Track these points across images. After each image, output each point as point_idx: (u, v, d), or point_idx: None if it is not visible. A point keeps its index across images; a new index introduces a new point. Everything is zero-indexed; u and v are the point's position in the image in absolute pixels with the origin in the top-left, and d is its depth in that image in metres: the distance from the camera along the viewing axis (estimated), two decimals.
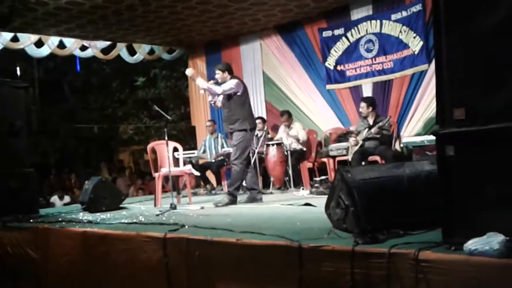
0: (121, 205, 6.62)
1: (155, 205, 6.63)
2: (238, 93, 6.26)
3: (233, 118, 6.27)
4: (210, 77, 9.20)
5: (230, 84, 6.25)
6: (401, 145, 7.39)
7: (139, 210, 6.25)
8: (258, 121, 8.26)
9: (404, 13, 7.49)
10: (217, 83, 6.44)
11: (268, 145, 7.95)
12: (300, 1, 7.62)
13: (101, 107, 17.73)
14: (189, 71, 6.54)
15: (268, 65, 9.27)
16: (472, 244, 2.37)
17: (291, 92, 8.97)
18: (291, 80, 8.95)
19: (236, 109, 6.25)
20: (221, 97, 6.46)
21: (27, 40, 8.40)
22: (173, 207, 5.79)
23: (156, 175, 6.76)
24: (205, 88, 6.37)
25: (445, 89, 2.68)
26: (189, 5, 7.46)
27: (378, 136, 6.93)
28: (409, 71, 7.51)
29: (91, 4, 7.09)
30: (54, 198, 11.69)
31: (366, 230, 3.04)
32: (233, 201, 6.15)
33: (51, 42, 8.66)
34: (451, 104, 2.65)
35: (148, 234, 4.00)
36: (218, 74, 6.40)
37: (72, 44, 8.91)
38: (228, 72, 6.40)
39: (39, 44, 8.61)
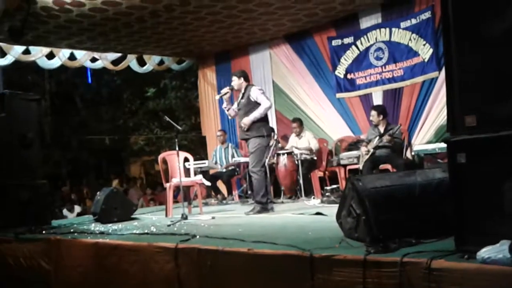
0: (132, 216, 6.65)
1: (166, 215, 6.64)
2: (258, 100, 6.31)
3: (250, 125, 6.29)
4: (220, 86, 9.28)
5: (262, 96, 6.28)
6: (412, 153, 7.34)
7: (150, 221, 6.27)
8: None
9: (414, 21, 7.48)
10: (232, 89, 6.53)
11: (278, 154, 7.94)
12: (309, 10, 7.64)
13: (112, 118, 17.87)
14: (243, 124, 6.33)
15: (277, 74, 9.29)
16: (485, 252, 2.35)
17: (301, 101, 8.98)
18: (300, 89, 8.96)
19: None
20: (235, 106, 6.50)
21: (38, 53, 8.50)
22: (184, 217, 5.80)
23: (167, 185, 6.78)
24: (261, 113, 6.25)
25: (456, 96, 2.67)
26: (199, 16, 7.50)
27: (389, 144, 6.90)
28: (419, 79, 7.48)
29: (101, 16, 7.16)
30: (66, 209, 11.75)
31: (377, 239, 3.03)
32: (264, 208, 6.13)
33: (62, 54, 8.75)
34: (462, 111, 2.64)
35: (160, 244, 4.01)
36: (234, 81, 6.47)
37: (82, 56, 9.00)
38: (244, 78, 6.45)
39: (50, 56, 8.72)
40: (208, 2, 6.89)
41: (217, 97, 7.10)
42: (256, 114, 6.26)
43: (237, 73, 6.59)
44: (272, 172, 8.12)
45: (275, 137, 8.46)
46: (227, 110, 6.68)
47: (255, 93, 6.31)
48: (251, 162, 6.29)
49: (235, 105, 6.50)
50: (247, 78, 6.54)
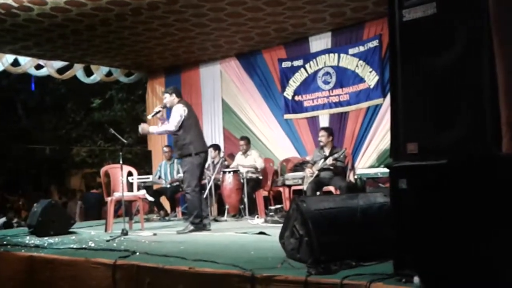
0: (70, 230, 6.45)
1: (106, 230, 6.47)
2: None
3: (179, 143, 6.18)
4: None
5: (176, 115, 6.12)
6: (355, 177, 7.49)
7: (89, 235, 6.10)
8: (210, 149, 8.21)
9: (361, 48, 7.70)
10: (165, 107, 6.42)
11: (224, 172, 7.92)
12: (262, 29, 7.72)
13: (54, 128, 17.33)
14: (140, 129, 6.38)
15: (227, 92, 9.32)
16: None
17: (249, 120, 9.02)
18: (249, 108, 9.01)
19: (182, 133, 6.13)
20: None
21: None
22: (124, 232, 5.68)
23: (108, 199, 6.62)
24: (159, 132, 6.40)
25: (399, 124, 2.75)
26: (150, 27, 7.43)
27: (332, 167, 7.03)
28: (364, 104, 7.67)
29: (50, 22, 6.98)
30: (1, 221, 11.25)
31: (319, 260, 3.06)
32: (198, 228, 6.01)
33: (6, 60, 8.43)
34: (405, 138, 2.71)
35: (97, 260, 3.91)
36: (166, 98, 6.36)
37: (26, 62, 8.70)
38: (176, 95, 6.31)
39: None
40: (161, 13, 6.85)
41: (150, 116, 7.02)
42: (154, 129, 6.34)
43: (169, 89, 6.47)
44: (217, 189, 8.09)
45: (221, 155, 8.46)
46: None
47: (173, 111, 6.19)
48: (184, 182, 6.24)
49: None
50: (178, 94, 6.37)
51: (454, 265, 2.39)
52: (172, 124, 6.15)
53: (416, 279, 2.43)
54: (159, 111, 6.41)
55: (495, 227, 2.31)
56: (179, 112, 6.14)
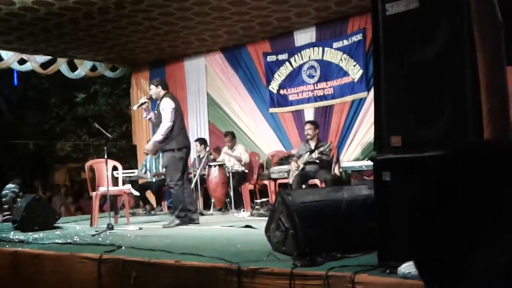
0: (55, 225, 6.41)
1: (91, 225, 6.44)
2: None
3: None
4: None
5: (167, 109, 6.06)
6: (340, 169, 7.54)
7: (74, 230, 6.07)
8: (196, 143, 8.24)
9: (345, 42, 7.73)
10: (151, 99, 6.38)
11: (210, 166, 7.93)
12: (246, 23, 7.72)
13: (38, 123, 17.15)
14: (146, 150, 6.10)
15: (212, 86, 9.30)
16: (405, 267, 2.44)
17: (235, 114, 9.02)
18: (235, 102, 9.01)
19: None
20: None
21: None
22: (110, 227, 5.65)
23: (93, 194, 6.58)
24: (161, 135, 6.01)
25: (383, 117, 2.78)
26: (134, 21, 7.38)
27: (318, 161, 7.07)
28: (348, 98, 7.72)
29: (32, 15, 6.90)
30: None
31: (304, 252, 3.08)
32: (184, 222, 6.01)
33: None
34: (389, 131, 2.74)
35: (83, 254, 3.90)
36: (152, 90, 6.32)
37: (9, 57, 8.60)
38: (162, 87, 6.27)
39: None
40: (145, 6, 6.80)
41: (135, 107, 6.95)
42: (156, 138, 6.06)
43: (154, 81, 6.42)
44: (203, 183, 8.10)
45: (207, 149, 8.45)
46: (149, 119, 6.56)
47: (162, 105, 6.12)
48: (167, 177, 6.22)
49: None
50: (165, 86, 6.33)
51: (442, 254, 2.43)
52: (166, 120, 6.03)
53: (400, 270, 2.46)
54: (145, 102, 6.37)
55: (480, 216, 2.34)
56: (168, 106, 6.08)
